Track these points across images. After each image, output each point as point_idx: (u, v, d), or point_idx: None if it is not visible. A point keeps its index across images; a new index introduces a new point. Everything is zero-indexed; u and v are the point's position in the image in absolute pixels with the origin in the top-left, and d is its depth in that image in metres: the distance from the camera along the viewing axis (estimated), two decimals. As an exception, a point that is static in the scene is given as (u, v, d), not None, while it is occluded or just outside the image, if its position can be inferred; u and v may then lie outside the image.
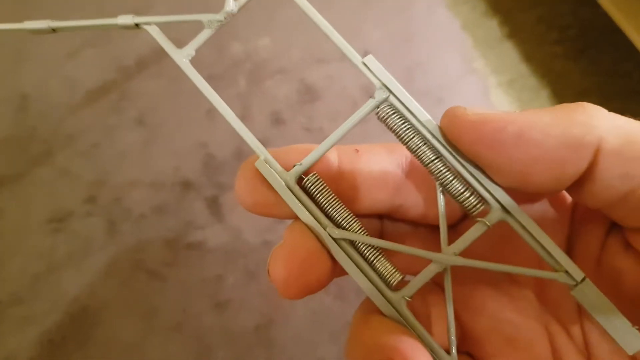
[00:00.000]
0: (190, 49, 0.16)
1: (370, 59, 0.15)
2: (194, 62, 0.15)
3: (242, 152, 0.36)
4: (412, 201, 0.16)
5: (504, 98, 1.13)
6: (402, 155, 0.16)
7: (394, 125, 0.15)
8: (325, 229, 0.14)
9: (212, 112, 0.37)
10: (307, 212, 0.14)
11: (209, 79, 0.40)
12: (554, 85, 1.12)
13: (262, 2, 0.42)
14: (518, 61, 1.15)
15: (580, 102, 0.13)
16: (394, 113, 0.15)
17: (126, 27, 0.15)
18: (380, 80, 0.15)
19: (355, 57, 0.15)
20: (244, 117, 0.37)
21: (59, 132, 0.37)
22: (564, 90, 1.12)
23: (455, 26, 0.43)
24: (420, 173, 0.16)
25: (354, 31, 0.40)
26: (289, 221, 0.15)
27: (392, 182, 0.16)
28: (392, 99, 0.15)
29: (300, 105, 0.37)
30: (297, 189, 0.14)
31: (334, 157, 0.15)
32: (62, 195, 0.34)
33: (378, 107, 0.15)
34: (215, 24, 0.16)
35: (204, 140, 0.36)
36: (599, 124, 0.13)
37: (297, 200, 0.14)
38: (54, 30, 0.15)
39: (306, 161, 0.14)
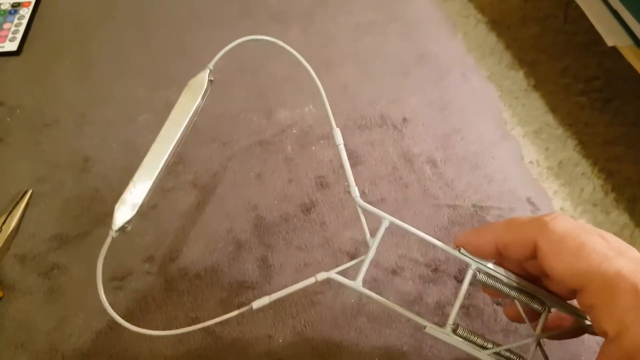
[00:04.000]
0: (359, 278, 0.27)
1: (464, 250, 0.27)
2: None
3: (289, 215, 0.38)
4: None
5: (532, 148, 1.14)
6: None
7: (491, 284, 0.27)
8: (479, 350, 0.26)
9: (261, 176, 0.40)
10: (459, 343, 0.26)
11: (260, 144, 0.42)
12: (580, 135, 1.13)
13: (306, 71, 0.45)
14: (544, 112, 1.17)
15: None
16: (487, 276, 0.27)
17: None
18: (475, 261, 0.26)
19: (453, 251, 0.27)
20: (291, 181, 0.39)
21: (119, 194, 0.39)
22: (590, 140, 1.13)
23: (489, 93, 0.46)
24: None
25: (393, 99, 0.43)
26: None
27: None
28: (481, 268, 0.27)
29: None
30: (452, 335, 0.26)
31: None
32: (123, 255, 0.37)
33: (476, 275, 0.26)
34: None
35: (254, 203, 0.39)
36: None
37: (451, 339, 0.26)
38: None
39: (449, 322, 0.26)
